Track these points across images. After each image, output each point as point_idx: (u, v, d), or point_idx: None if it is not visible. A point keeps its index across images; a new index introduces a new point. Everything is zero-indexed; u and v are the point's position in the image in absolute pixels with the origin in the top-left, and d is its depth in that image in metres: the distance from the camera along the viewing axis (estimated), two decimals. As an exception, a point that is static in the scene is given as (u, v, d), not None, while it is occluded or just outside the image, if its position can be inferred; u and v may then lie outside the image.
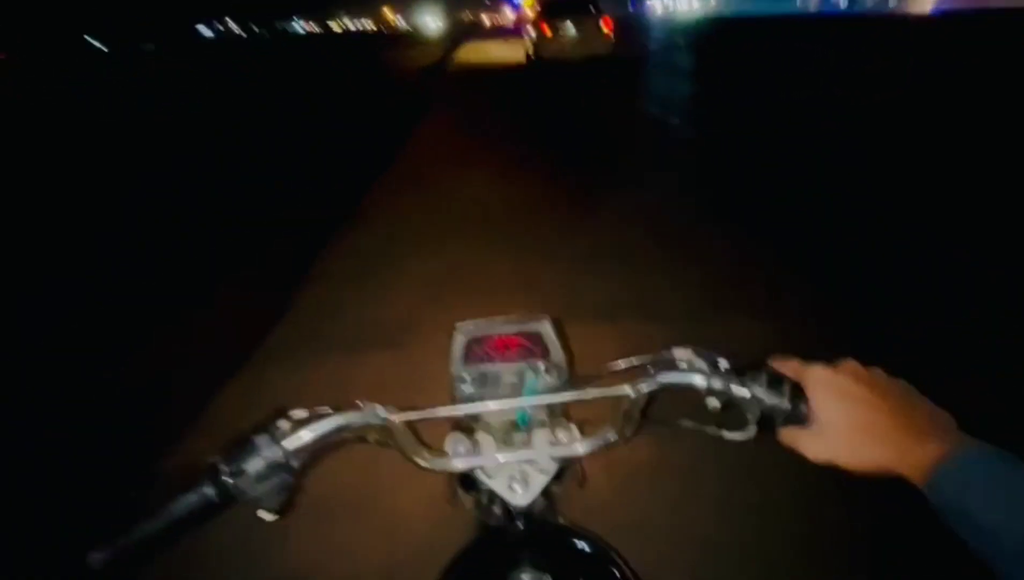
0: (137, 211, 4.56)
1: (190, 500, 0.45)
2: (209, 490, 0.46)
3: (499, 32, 19.06)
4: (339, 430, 0.51)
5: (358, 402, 0.53)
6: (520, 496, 0.60)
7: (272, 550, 1.55)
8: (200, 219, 4.30)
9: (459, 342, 0.69)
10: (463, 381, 0.68)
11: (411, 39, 19.47)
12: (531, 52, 11.03)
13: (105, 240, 4.03)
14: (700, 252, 3.25)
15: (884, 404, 0.45)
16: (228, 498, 0.46)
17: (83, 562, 0.42)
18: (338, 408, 0.53)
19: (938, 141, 5.06)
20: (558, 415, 0.66)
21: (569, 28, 10.36)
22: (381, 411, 0.54)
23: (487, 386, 0.68)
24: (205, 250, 3.74)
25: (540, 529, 0.65)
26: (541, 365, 0.67)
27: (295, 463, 0.49)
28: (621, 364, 0.62)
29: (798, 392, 0.49)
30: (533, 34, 10.93)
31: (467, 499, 0.90)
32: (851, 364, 0.49)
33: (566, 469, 0.72)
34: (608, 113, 7.35)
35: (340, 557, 1.55)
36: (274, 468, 0.48)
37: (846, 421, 0.46)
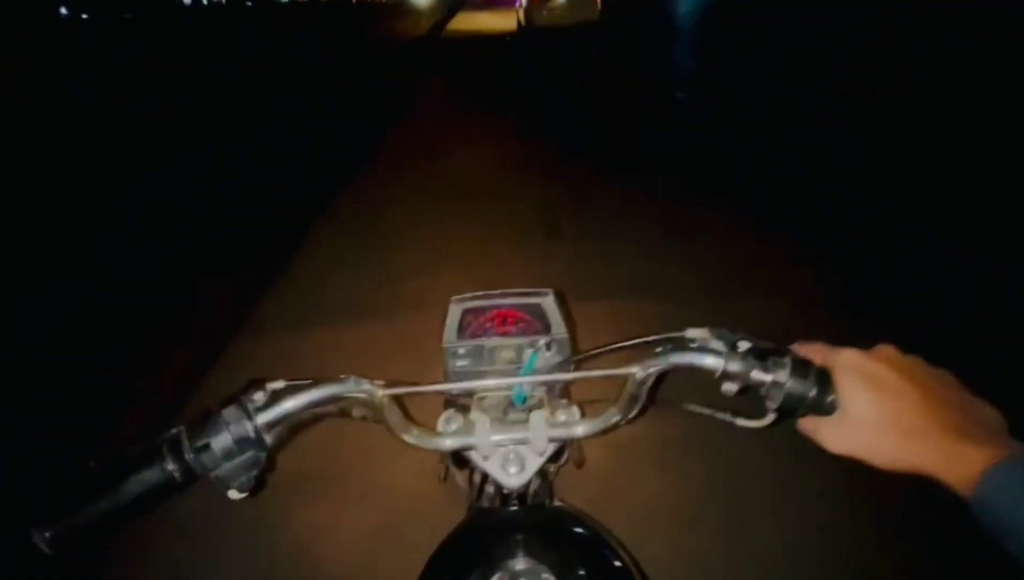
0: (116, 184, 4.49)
1: (148, 476, 0.41)
2: (170, 466, 0.41)
3: (492, 2, 19.03)
4: (318, 403, 0.47)
5: (342, 375, 0.49)
6: (514, 478, 0.57)
7: (249, 527, 1.50)
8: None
9: (454, 315, 0.64)
10: (457, 356, 0.63)
11: (407, 8, 19.04)
12: (522, 20, 11.17)
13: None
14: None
15: (922, 397, 0.40)
16: (191, 476, 0.42)
17: (26, 539, 0.38)
18: (320, 380, 0.48)
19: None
20: (557, 394, 0.62)
21: None
22: (367, 384, 0.49)
23: (483, 362, 0.64)
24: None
25: (535, 512, 0.62)
26: (542, 341, 0.62)
27: (268, 439, 0.45)
28: (628, 342, 0.57)
29: (825, 379, 0.44)
30: (524, 2, 11.08)
31: (460, 477, 0.87)
32: (887, 350, 0.44)
33: (564, 449, 0.69)
34: (593, 75, 7.51)
35: (320, 537, 1.51)
36: (244, 443, 0.43)
37: (876, 413, 0.41)
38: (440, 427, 0.58)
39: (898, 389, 0.41)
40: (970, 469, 0.36)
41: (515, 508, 0.61)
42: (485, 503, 0.70)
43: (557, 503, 0.67)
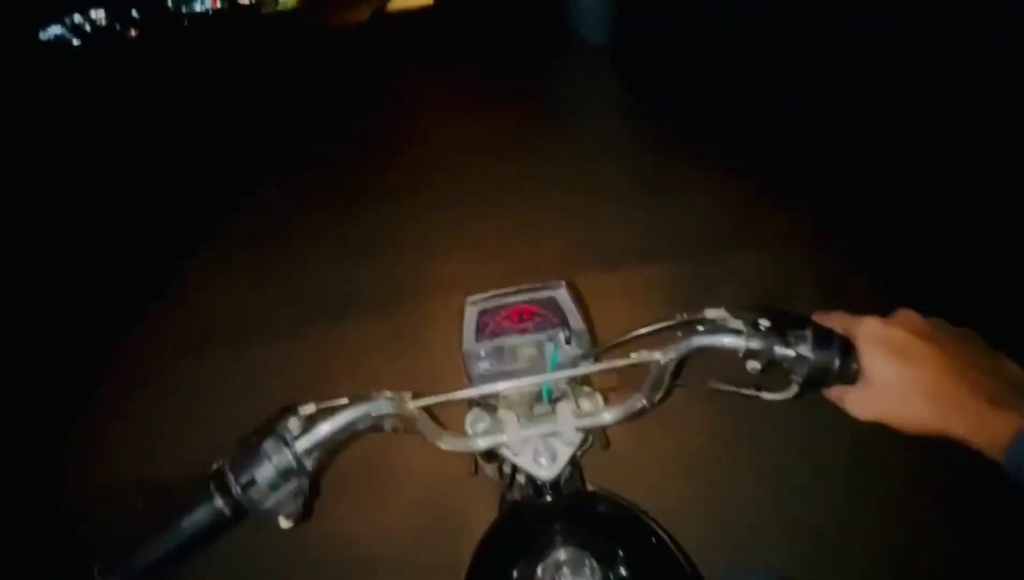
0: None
1: (200, 515, 0.42)
2: (219, 503, 0.42)
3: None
4: (352, 424, 0.48)
5: (372, 392, 0.49)
6: (547, 470, 0.58)
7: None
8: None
9: (470, 317, 0.64)
10: (479, 358, 0.64)
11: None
12: None
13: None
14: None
15: (947, 361, 0.41)
16: (240, 512, 0.43)
17: None
18: (351, 400, 0.49)
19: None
20: (581, 384, 0.63)
21: None
22: (396, 398, 0.50)
23: (504, 361, 0.64)
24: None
25: (570, 500, 0.63)
26: (561, 335, 0.63)
27: (309, 465, 0.46)
28: (648, 329, 0.57)
29: (847, 348, 0.45)
30: None
31: (491, 470, 0.89)
32: (907, 315, 0.44)
33: (589, 435, 0.70)
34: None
35: (366, 529, 1.56)
36: (287, 473, 0.44)
37: (901, 379, 0.42)
38: (468, 428, 0.59)
39: (921, 354, 0.41)
40: (1001, 431, 0.36)
41: (550, 499, 0.62)
42: (517, 494, 0.72)
43: (589, 488, 0.68)
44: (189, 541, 0.42)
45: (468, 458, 0.95)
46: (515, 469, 0.74)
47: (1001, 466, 0.37)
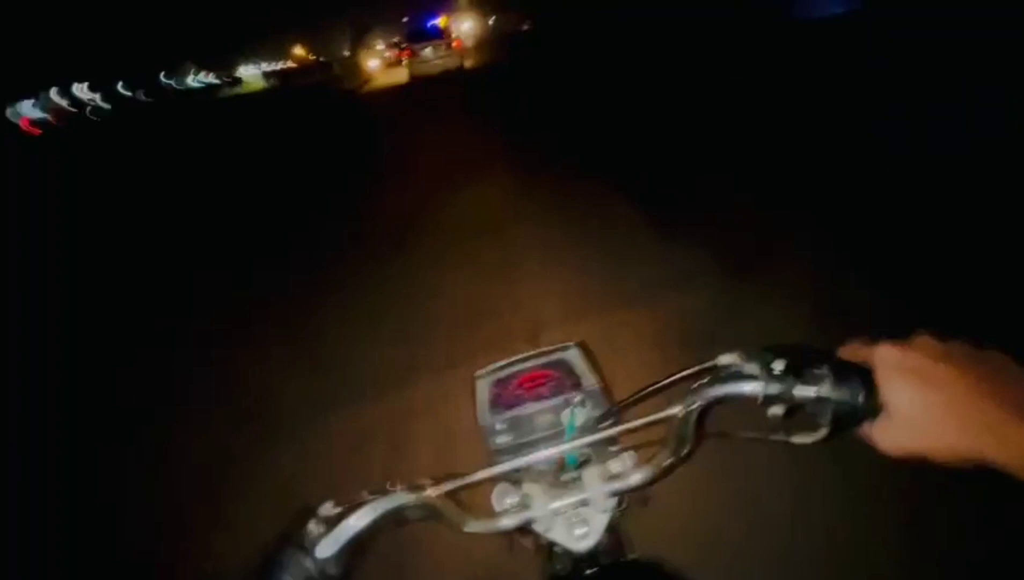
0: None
1: None
2: None
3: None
4: (375, 521, 0.47)
5: (387, 485, 0.48)
6: (583, 541, 0.55)
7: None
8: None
9: (483, 389, 0.64)
10: (496, 432, 0.63)
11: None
12: (410, 72, 15.41)
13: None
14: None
15: (973, 383, 0.39)
16: None
17: None
18: (369, 497, 0.48)
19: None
20: (606, 445, 0.61)
21: (428, 52, 14.81)
22: (417, 488, 0.49)
23: (523, 431, 0.63)
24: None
25: (612, 572, 0.60)
26: (576, 398, 0.62)
27: (334, 571, 0.44)
28: (661, 382, 0.56)
29: (869, 381, 0.43)
30: (404, 61, 15.93)
31: (527, 542, 0.85)
32: (924, 339, 0.42)
33: (623, 497, 0.67)
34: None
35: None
36: None
37: (924, 406, 0.39)
38: (496, 505, 0.57)
39: (944, 378, 0.39)
40: None
41: (589, 572, 0.59)
42: (558, 566, 0.68)
43: (632, 556, 0.65)
44: None
45: (501, 535, 0.92)
46: (546, 542, 0.71)
47: None
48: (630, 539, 0.69)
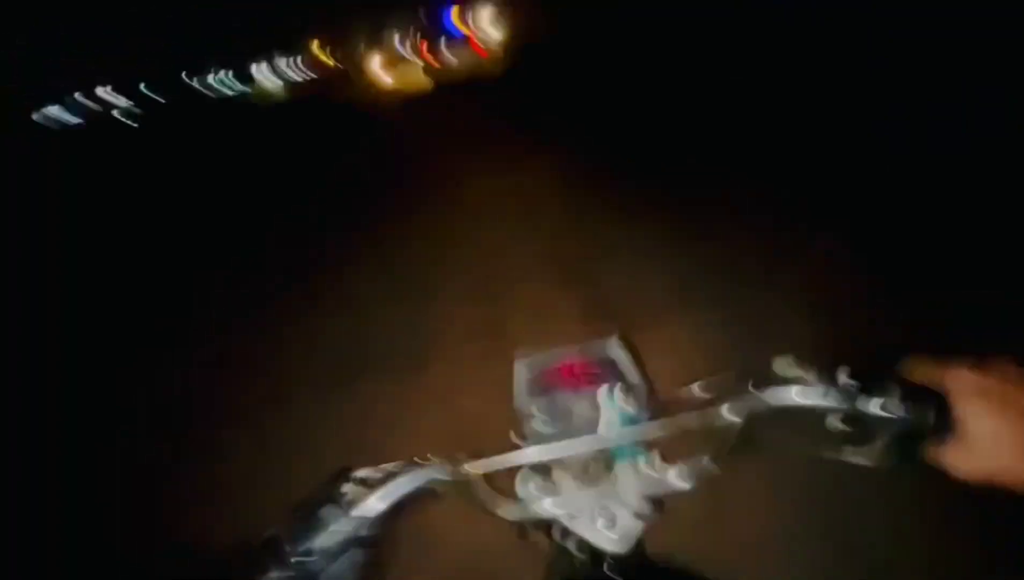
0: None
1: None
2: (275, 575, 0.40)
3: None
4: (410, 493, 0.46)
5: (428, 456, 0.48)
6: (615, 542, 0.54)
7: None
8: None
9: (521, 374, 0.63)
10: (533, 417, 0.62)
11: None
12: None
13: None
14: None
15: None
16: None
17: None
18: (408, 464, 0.47)
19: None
20: (643, 443, 0.59)
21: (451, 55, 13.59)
22: (456, 464, 0.48)
23: (558, 418, 0.62)
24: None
25: (636, 576, 0.58)
26: (617, 390, 0.60)
27: (368, 533, 0.44)
28: (709, 381, 0.55)
29: (941, 403, 0.41)
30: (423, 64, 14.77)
31: (539, 536, 0.84)
32: (1004, 364, 0.41)
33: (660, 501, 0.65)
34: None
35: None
36: (346, 543, 0.42)
37: (1007, 436, 0.38)
38: (519, 490, 0.55)
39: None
40: None
41: (612, 573, 0.57)
42: (567, 563, 0.67)
43: (652, 558, 0.63)
44: None
45: (514, 523, 0.90)
46: (566, 536, 0.70)
47: None
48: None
